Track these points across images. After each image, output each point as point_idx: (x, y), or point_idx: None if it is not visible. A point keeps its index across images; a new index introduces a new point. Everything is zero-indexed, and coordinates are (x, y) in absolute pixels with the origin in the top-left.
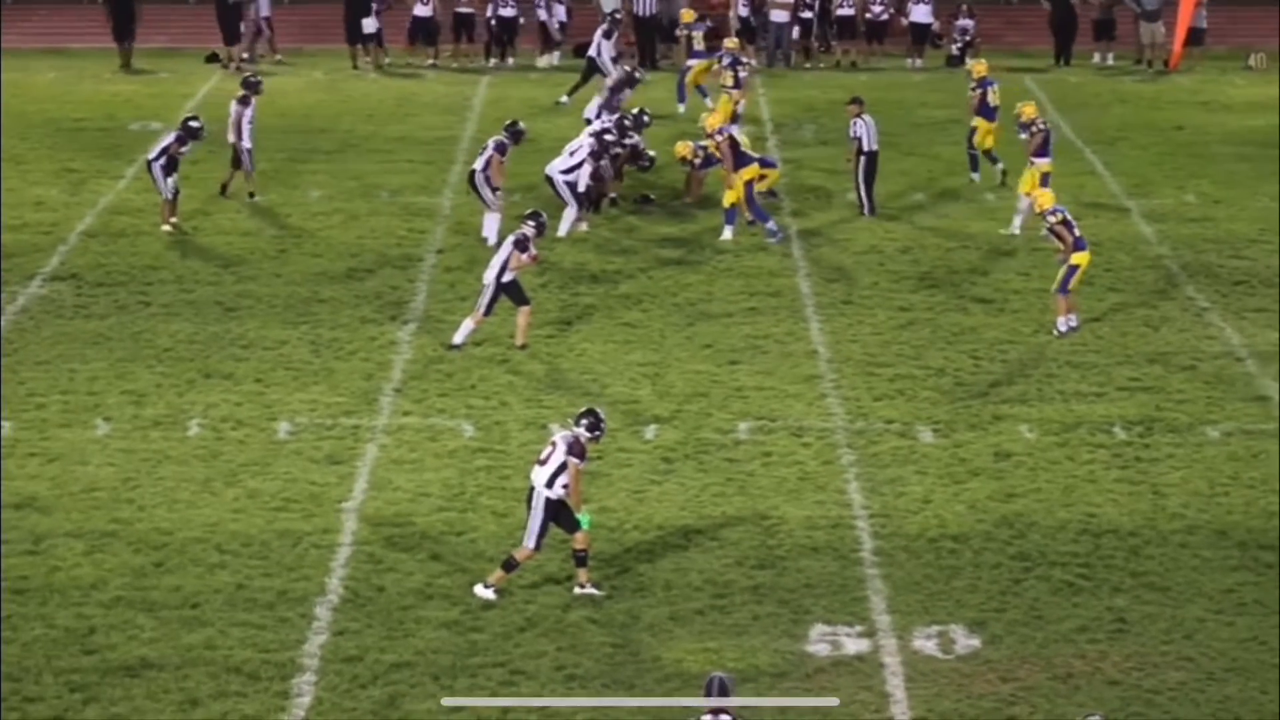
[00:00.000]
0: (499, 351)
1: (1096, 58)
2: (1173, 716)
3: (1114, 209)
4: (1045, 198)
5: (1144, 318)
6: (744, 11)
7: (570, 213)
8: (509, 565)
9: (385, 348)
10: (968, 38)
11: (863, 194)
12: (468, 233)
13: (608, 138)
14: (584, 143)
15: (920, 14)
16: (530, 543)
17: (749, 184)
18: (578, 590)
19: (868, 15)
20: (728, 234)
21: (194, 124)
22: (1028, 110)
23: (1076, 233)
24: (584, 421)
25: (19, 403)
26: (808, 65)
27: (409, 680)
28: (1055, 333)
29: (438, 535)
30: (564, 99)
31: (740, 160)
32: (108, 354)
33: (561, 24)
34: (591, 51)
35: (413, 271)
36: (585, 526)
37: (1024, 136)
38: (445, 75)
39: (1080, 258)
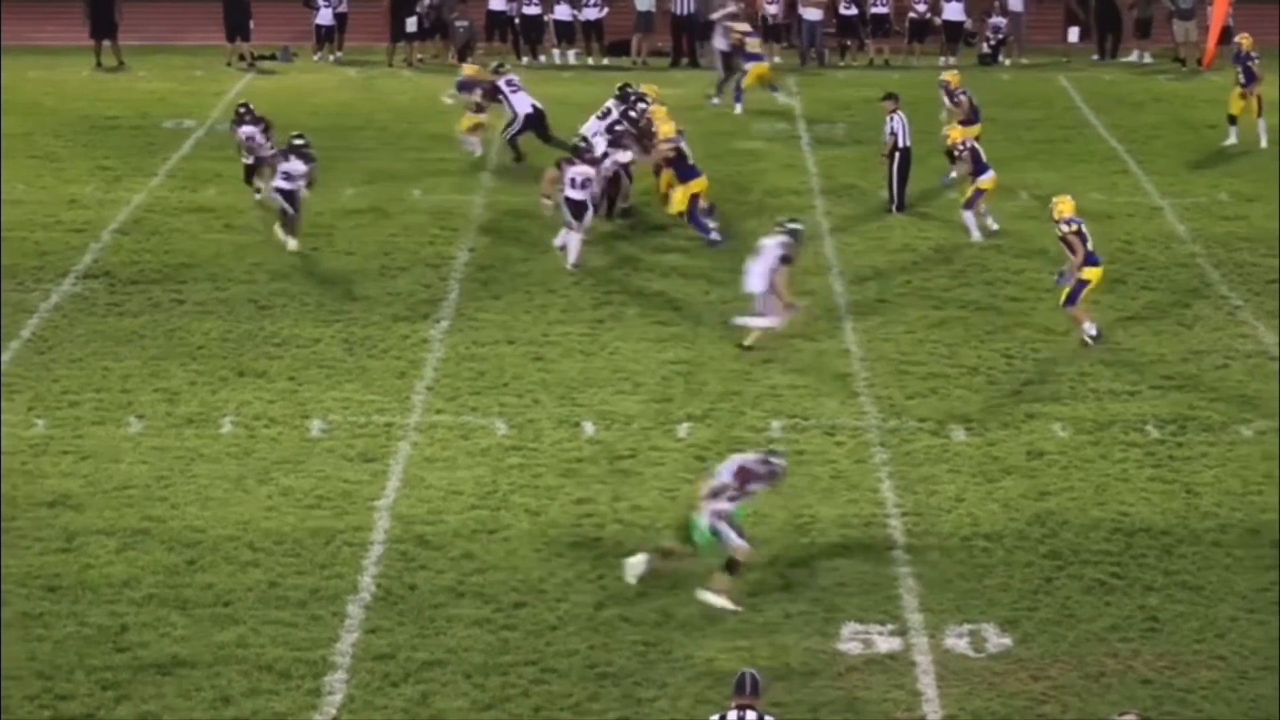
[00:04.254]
0: (531, 350)
1: (1135, 55)
2: (1205, 715)
3: (1147, 207)
4: (1065, 205)
5: (1177, 316)
6: (772, 10)
7: (574, 240)
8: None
9: (418, 346)
10: (1000, 35)
11: (894, 190)
12: (500, 231)
13: (619, 128)
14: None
15: (953, 12)
16: (742, 544)
17: (694, 197)
18: (710, 597)
19: (911, 15)
20: (715, 234)
21: (298, 142)
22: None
23: (1089, 246)
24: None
25: (52, 400)
26: (840, 63)
27: (441, 678)
28: (1087, 340)
29: (470, 533)
30: (715, 100)
31: (687, 173)
32: (141, 352)
33: (589, 22)
34: (720, 45)
35: (445, 270)
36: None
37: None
38: None
39: (1092, 273)
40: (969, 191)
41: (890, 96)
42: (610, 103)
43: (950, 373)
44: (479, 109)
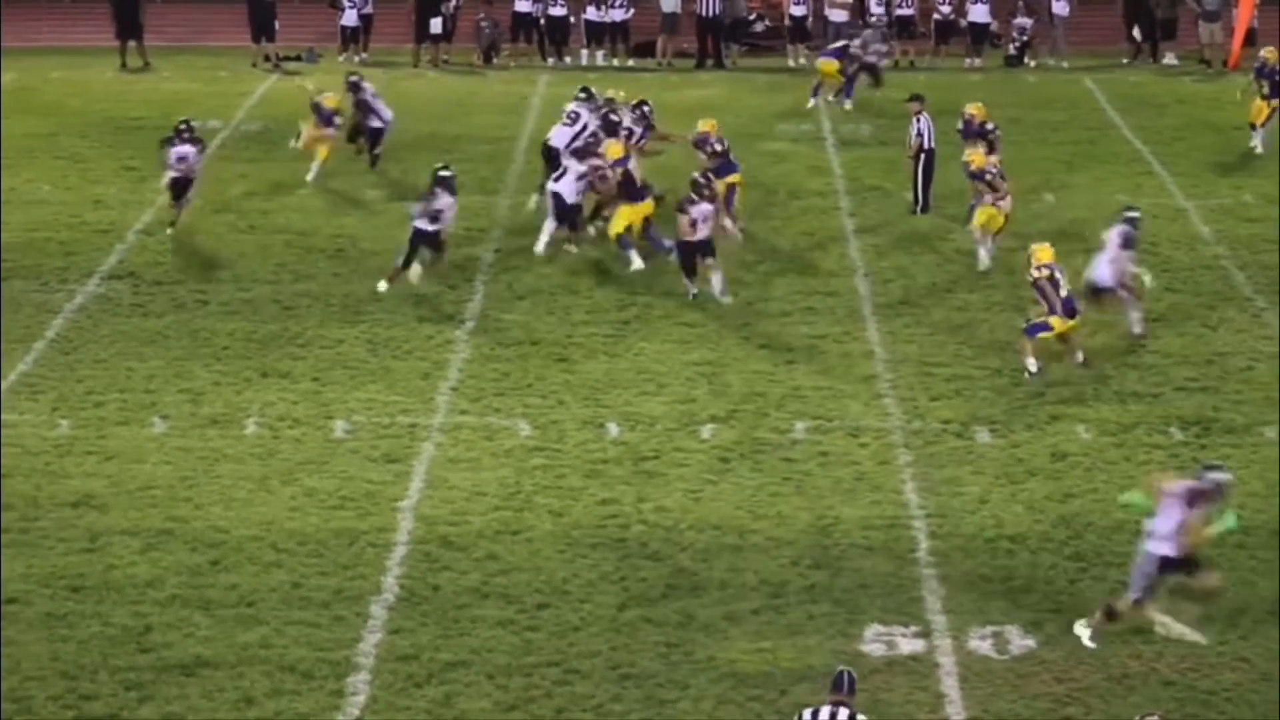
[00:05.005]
0: (556, 351)
1: (1168, 58)
2: (1228, 717)
3: (1172, 209)
4: (1044, 253)
5: (1201, 318)
6: (799, 11)
7: (550, 225)
8: (1110, 614)
9: (442, 347)
10: (1026, 37)
11: (919, 191)
12: (525, 233)
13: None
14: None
15: (978, 14)
16: (1134, 594)
17: (647, 220)
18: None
19: (936, 16)
20: (637, 262)
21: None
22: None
23: (1063, 293)
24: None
25: (77, 401)
26: None
27: (464, 679)
28: (1026, 374)
29: (493, 534)
30: (847, 103)
31: (635, 194)
32: (165, 352)
33: (615, 23)
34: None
35: (470, 270)
36: (1233, 525)
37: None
38: (504, 74)
39: (1059, 322)
40: (989, 218)
41: (916, 98)
42: (576, 107)
43: (974, 374)
44: (329, 123)
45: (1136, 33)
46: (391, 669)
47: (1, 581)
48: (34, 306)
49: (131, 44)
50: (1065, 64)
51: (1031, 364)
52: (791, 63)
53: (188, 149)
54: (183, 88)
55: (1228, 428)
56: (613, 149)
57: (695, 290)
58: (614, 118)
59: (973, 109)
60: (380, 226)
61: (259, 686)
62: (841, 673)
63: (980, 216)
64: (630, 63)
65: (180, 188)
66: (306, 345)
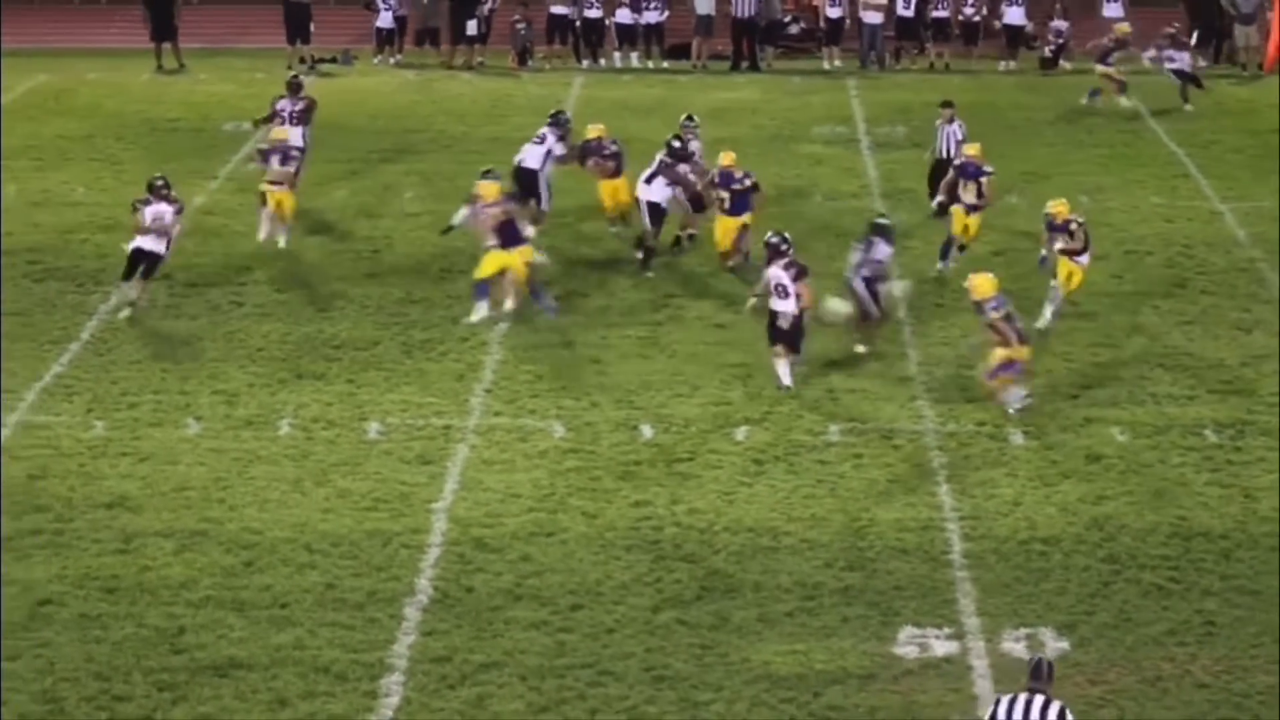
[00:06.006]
0: (590, 352)
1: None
2: None
3: (1207, 212)
4: (985, 284)
5: (1236, 320)
6: (835, 14)
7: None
8: None
9: (476, 348)
10: (1061, 40)
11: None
12: (559, 234)
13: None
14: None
15: (1014, 16)
16: None
17: (529, 265)
18: None
19: (960, 17)
20: (482, 311)
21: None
22: (1060, 209)
23: (1019, 325)
24: None
25: (111, 402)
26: (899, 67)
27: (497, 681)
28: (1010, 410)
29: (527, 536)
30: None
31: (512, 239)
32: (199, 354)
33: (650, 25)
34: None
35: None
36: None
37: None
38: (539, 76)
39: (1023, 351)
40: (1069, 274)
41: (947, 104)
42: (546, 130)
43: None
44: (286, 160)
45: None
46: (425, 670)
47: (1, 582)
48: (69, 308)
49: (166, 46)
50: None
51: (1016, 398)
52: (826, 65)
53: (164, 208)
54: (218, 90)
55: (1262, 430)
56: (488, 189)
57: (788, 382)
58: (683, 145)
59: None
60: (415, 228)
61: (292, 688)
62: (1039, 660)
63: (1063, 272)
64: (665, 65)
65: (148, 262)
66: (341, 347)
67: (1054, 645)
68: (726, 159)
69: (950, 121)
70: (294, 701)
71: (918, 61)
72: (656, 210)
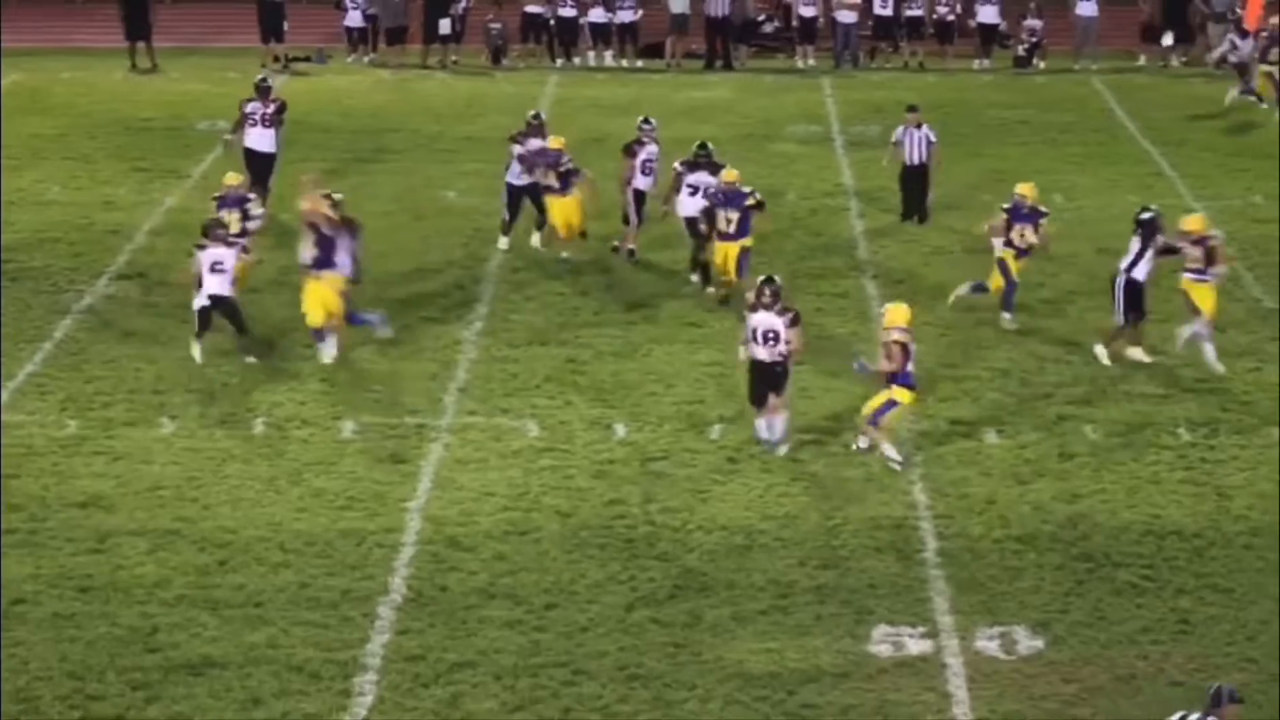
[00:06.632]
0: (564, 351)
1: (1174, 60)
2: None
3: (1181, 210)
4: (898, 313)
5: None
6: (809, 13)
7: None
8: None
9: (450, 347)
10: (1035, 38)
11: (912, 202)
12: (532, 233)
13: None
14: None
15: (988, 14)
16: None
17: (345, 295)
18: None
19: (934, 15)
20: (330, 350)
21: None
22: (1194, 224)
23: (910, 365)
24: None
25: (85, 401)
26: (873, 66)
27: (471, 679)
28: (892, 465)
29: (501, 535)
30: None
31: (325, 261)
32: (174, 353)
33: (624, 24)
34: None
35: (478, 271)
36: None
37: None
38: (513, 75)
39: (904, 394)
40: (1203, 297)
41: (912, 109)
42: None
43: (983, 375)
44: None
45: (1168, 38)
46: (399, 669)
47: (1, 583)
48: (43, 307)
49: (141, 45)
50: (1095, 65)
51: (892, 454)
52: (800, 64)
53: (222, 252)
54: (192, 89)
55: (1236, 428)
56: (313, 202)
57: (783, 443)
58: (709, 154)
59: (1023, 189)
60: (388, 227)
61: (266, 687)
62: (1220, 688)
63: (1198, 296)
64: (639, 64)
65: (223, 308)
66: (314, 346)
67: (1028, 643)
68: (730, 175)
69: (919, 126)
70: (268, 700)
71: (892, 60)
72: (693, 224)
